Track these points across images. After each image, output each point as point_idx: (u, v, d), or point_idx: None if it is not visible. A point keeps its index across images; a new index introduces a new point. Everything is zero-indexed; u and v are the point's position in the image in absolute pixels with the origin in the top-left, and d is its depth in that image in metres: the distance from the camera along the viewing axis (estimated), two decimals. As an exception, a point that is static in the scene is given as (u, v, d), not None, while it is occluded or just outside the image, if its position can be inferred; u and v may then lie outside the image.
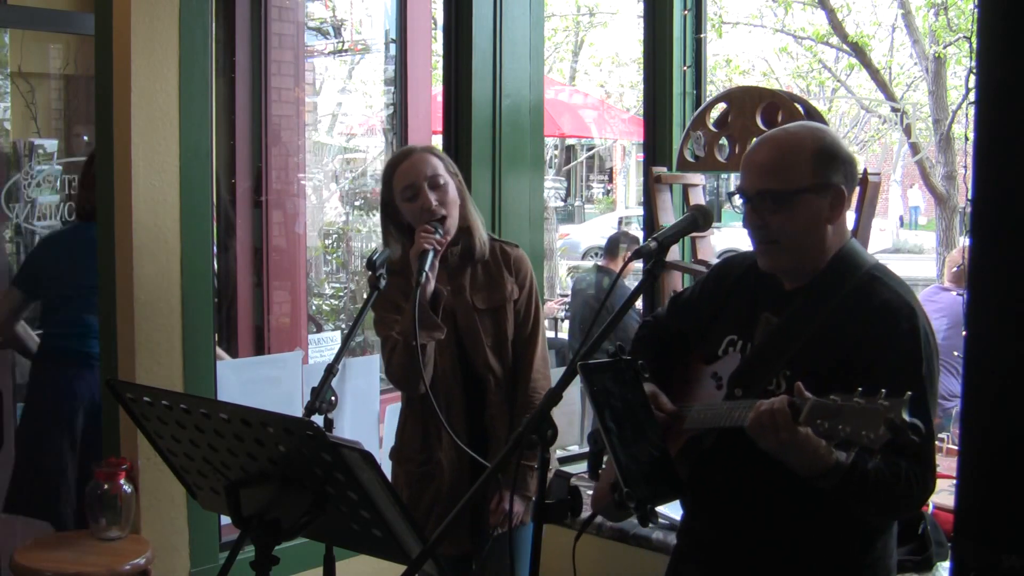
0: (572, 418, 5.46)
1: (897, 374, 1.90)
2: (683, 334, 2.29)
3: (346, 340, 2.65)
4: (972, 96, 1.60)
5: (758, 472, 2.02)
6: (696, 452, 2.12)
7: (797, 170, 2.02)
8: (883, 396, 1.67)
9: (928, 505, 2.91)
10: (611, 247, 7.84)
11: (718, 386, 2.11)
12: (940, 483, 3.09)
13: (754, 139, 2.19)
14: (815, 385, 1.84)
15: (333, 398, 2.47)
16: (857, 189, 3.33)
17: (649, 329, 2.43)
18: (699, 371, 2.18)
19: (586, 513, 2.16)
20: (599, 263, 8.20)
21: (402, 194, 2.80)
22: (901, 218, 22.03)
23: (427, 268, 2.65)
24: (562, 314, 8.92)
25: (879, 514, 2.08)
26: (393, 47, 5.42)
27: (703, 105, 3.72)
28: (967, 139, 3.62)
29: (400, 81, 5.22)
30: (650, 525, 1.94)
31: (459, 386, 2.84)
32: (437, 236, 2.71)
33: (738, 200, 2.08)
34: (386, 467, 3.03)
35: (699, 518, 2.23)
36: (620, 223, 17.15)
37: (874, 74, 11.04)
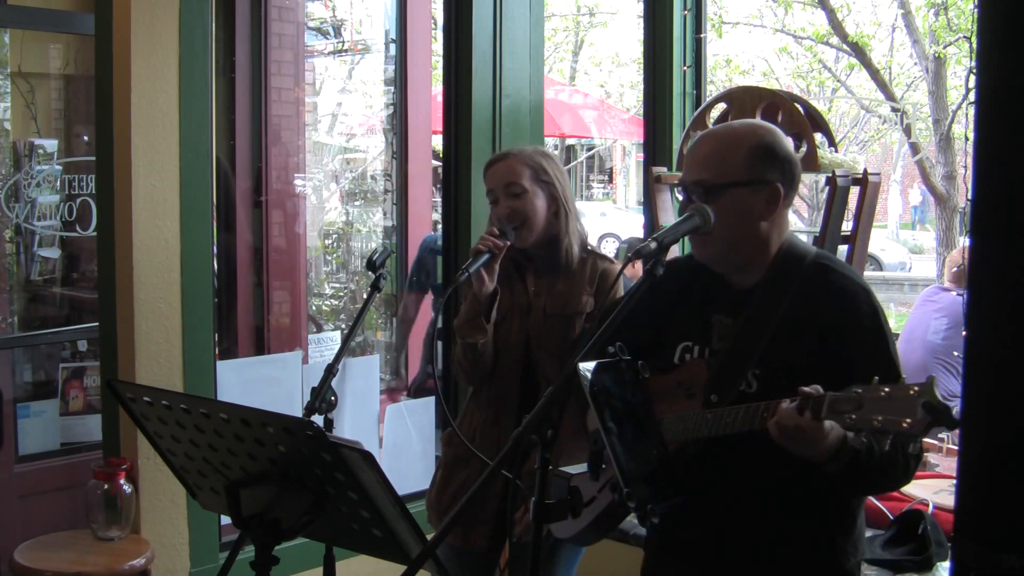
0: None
1: (871, 353, 1.99)
2: (630, 346, 2.26)
3: (346, 340, 2.65)
4: (972, 96, 1.60)
5: (746, 457, 2.04)
6: (681, 461, 2.11)
7: (731, 164, 2.07)
8: (905, 381, 1.72)
9: (928, 505, 2.91)
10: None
11: (689, 395, 2.11)
12: (940, 483, 3.11)
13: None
14: (791, 377, 1.90)
15: (333, 398, 2.47)
16: (856, 189, 3.35)
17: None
18: (660, 382, 2.16)
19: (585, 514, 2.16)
20: None
21: (488, 197, 2.87)
22: (900, 217, 22.02)
23: (472, 269, 2.69)
24: None
25: (876, 489, 2.16)
26: (393, 47, 5.42)
27: (703, 105, 3.72)
28: (967, 139, 3.62)
29: (400, 81, 5.22)
30: (648, 525, 1.94)
31: (517, 384, 2.84)
32: (499, 241, 2.74)
33: (680, 191, 2.15)
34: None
35: (679, 519, 2.22)
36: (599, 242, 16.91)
37: (874, 74, 11.03)
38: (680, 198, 2.18)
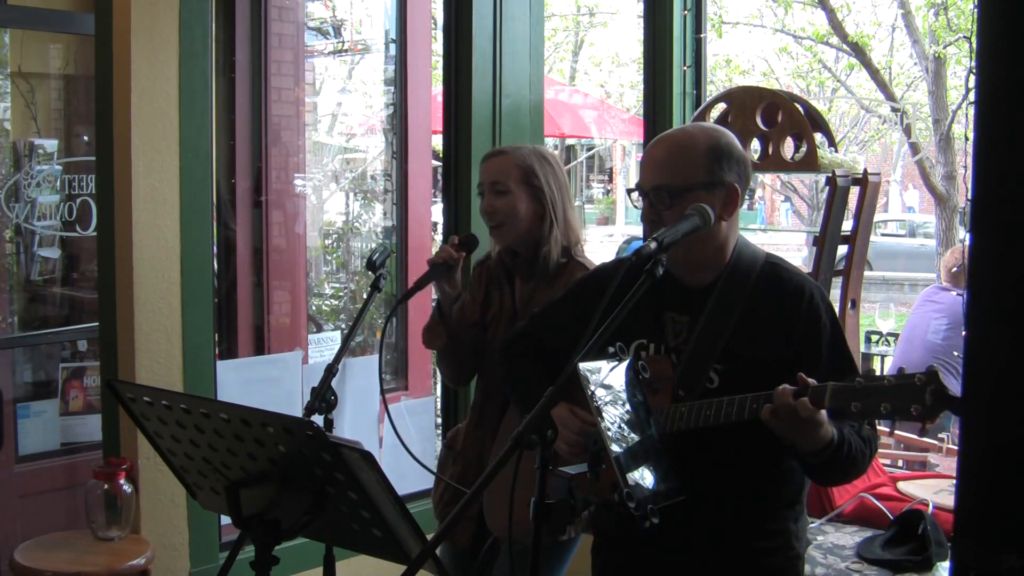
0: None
1: (831, 347, 2.10)
2: (564, 347, 2.21)
3: (346, 340, 2.65)
4: (972, 96, 1.60)
5: (713, 465, 2.09)
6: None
7: (690, 167, 2.11)
8: (907, 371, 1.81)
9: (928, 505, 2.91)
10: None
11: (654, 391, 2.13)
12: (940, 483, 3.11)
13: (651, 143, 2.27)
14: (752, 372, 2.02)
15: (333, 398, 2.47)
16: (856, 189, 3.35)
17: (523, 346, 2.47)
18: None
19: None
20: None
21: (477, 188, 2.88)
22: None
23: (416, 289, 2.76)
24: None
25: (844, 479, 2.20)
26: (393, 47, 5.41)
27: (703, 105, 3.72)
28: (967, 139, 3.62)
29: (400, 81, 5.22)
30: (648, 525, 1.94)
31: (501, 388, 2.84)
32: (454, 252, 2.79)
33: (636, 196, 2.17)
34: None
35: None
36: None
37: (874, 74, 11.04)
38: (634, 204, 2.20)
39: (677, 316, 2.18)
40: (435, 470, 3.00)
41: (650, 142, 2.25)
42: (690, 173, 2.10)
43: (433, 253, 2.93)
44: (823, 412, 1.90)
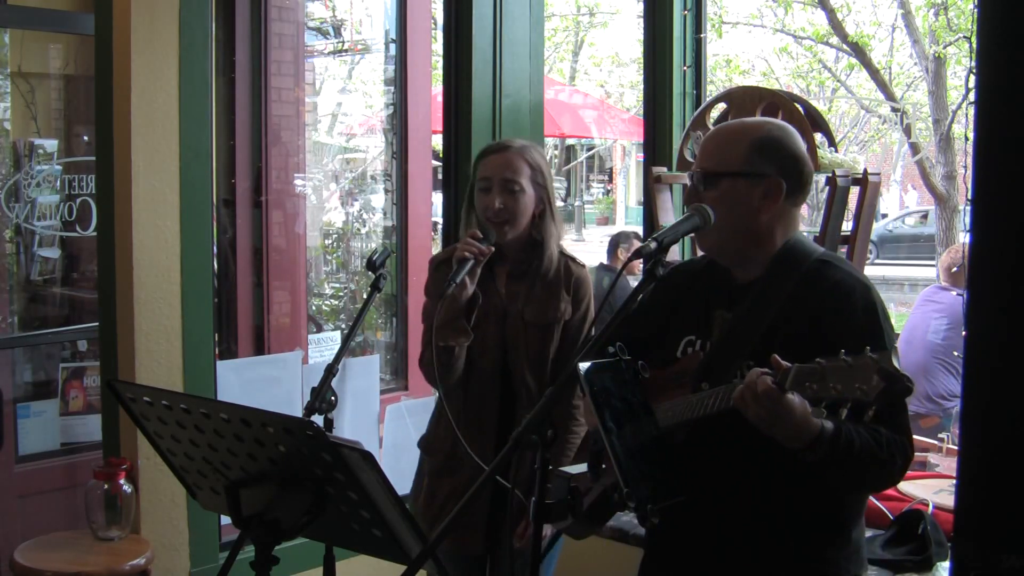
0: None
1: (860, 347, 1.96)
2: (635, 343, 2.26)
3: (346, 340, 2.65)
4: (972, 96, 1.60)
5: (734, 462, 2.05)
6: (669, 450, 2.11)
7: (731, 154, 2.12)
8: (869, 351, 1.71)
9: (928, 505, 2.91)
10: (612, 247, 8.01)
11: (681, 383, 2.12)
12: (940, 483, 3.11)
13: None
14: None
15: (333, 398, 2.47)
16: (856, 189, 3.35)
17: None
18: (661, 376, 2.18)
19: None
20: (603, 262, 8.26)
21: (479, 183, 2.82)
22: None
23: (457, 279, 2.65)
24: None
25: (863, 485, 2.11)
26: (393, 47, 5.41)
27: (703, 105, 3.72)
28: (967, 139, 3.62)
29: (400, 81, 5.21)
30: (648, 525, 1.94)
31: (496, 389, 2.82)
32: (481, 246, 2.71)
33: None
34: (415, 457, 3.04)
35: (671, 516, 2.23)
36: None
37: (874, 74, 11.04)
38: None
39: (724, 313, 2.16)
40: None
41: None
42: (729, 160, 2.11)
43: (434, 252, 2.90)
44: (797, 400, 1.82)
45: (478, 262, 2.71)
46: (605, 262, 8.24)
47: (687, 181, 2.22)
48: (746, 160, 2.10)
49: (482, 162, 2.84)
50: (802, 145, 2.17)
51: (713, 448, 2.05)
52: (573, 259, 2.90)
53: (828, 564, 2.09)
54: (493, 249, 2.75)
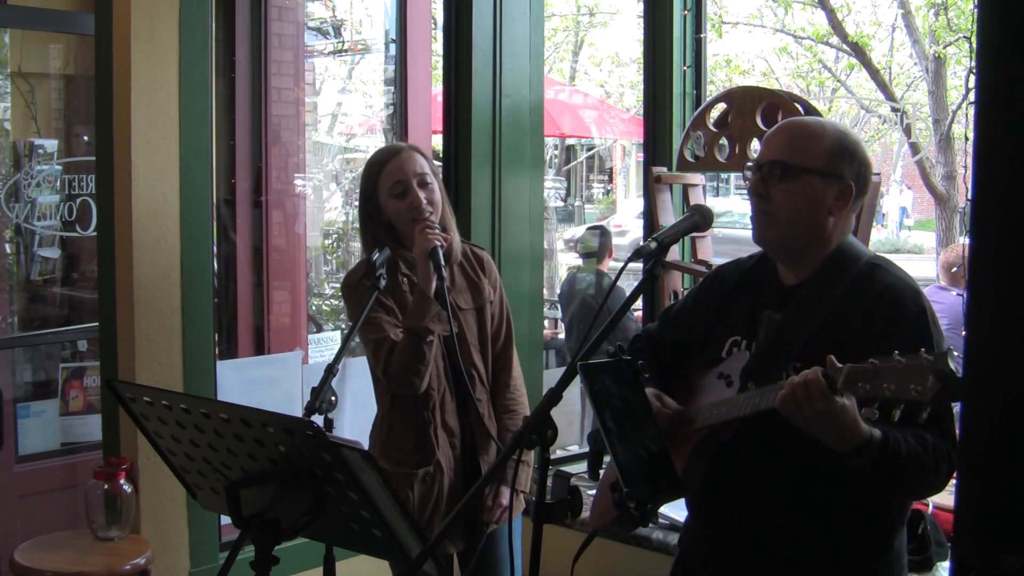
0: (572, 418, 5.46)
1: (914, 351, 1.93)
2: (680, 345, 2.30)
3: (346, 340, 2.64)
4: (972, 96, 1.60)
5: (780, 463, 2.04)
6: (713, 448, 2.12)
7: (813, 151, 2.09)
8: (925, 352, 1.69)
9: (928, 505, 2.91)
10: (600, 250, 7.88)
11: (728, 383, 2.12)
12: (940, 483, 3.10)
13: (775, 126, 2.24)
14: None
15: (333, 398, 2.46)
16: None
17: (643, 343, 2.44)
18: (703, 376, 2.19)
19: (587, 514, 2.16)
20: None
21: (390, 191, 2.78)
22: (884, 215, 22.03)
23: (443, 268, 2.66)
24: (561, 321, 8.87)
25: (908, 492, 2.09)
26: (393, 47, 5.41)
27: (703, 105, 3.72)
28: (967, 139, 3.62)
29: (400, 81, 5.21)
30: (650, 525, 1.94)
31: (450, 385, 2.83)
32: (442, 232, 2.71)
33: (749, 173, 2.15)
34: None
35: (710, 518, 2.22)
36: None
37: (874, 74, 11.03)
38: (746, 180, 2.17)
39: (772, 313, 2.15)
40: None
41: (782, 121, 2.25)
42: (811, 156, 2.08)
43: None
44: (846, 402, 1.80)
45: (444, 248, 2.70)
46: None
47: (689, 181, 2.22)
48: (828, 160, 2.09)
49: (385, 169, 2.80)
50: (866, 150, 2.18)
51: (758, 448, 2.05)
52: (473, 244, 3.01)
53: (870, 571, 2.08)
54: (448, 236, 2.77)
